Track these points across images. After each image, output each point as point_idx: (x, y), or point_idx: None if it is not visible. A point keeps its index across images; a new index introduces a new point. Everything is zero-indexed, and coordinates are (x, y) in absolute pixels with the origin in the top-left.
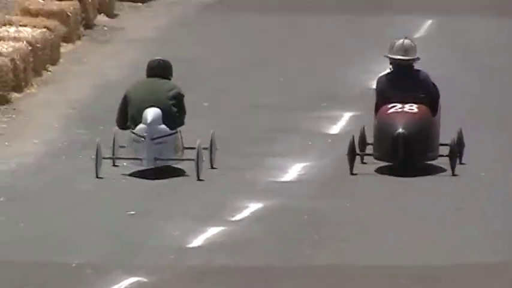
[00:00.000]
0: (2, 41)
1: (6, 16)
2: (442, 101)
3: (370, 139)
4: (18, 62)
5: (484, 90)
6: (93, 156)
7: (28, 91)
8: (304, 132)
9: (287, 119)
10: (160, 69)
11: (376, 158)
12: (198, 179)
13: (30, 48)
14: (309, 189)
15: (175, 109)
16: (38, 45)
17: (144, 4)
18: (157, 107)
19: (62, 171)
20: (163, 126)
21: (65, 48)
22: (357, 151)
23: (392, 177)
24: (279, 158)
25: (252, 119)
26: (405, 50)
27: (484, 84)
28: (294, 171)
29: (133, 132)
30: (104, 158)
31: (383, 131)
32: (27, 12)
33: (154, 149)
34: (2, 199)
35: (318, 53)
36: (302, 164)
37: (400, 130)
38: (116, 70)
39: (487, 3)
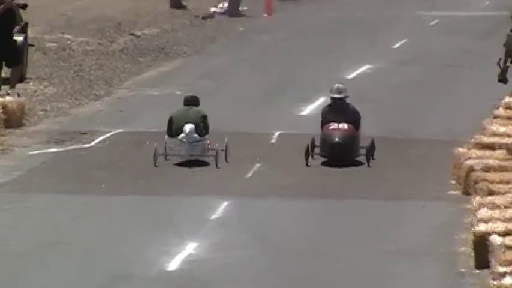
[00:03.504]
0: None
1: None
2: None
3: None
4: None
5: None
6: (152, 154)
7: None
8: None
9: None
10: (192, 100)
11: (321, 156)
12: (217, 167)
13: None
14: None
15: (202, 124)
16: None
17: None
18: (192, 123)
19: None
20: (196, 135)
21: None
22: (310, 151)
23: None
24: None
25: None
26: (339, 91)
27: None
28: None
29: (178, 139)
30: (159, 155)
31: (326, 140)
32: None
33: (190, 148)
34: None
35: (107, 232)
36: None
37: (337, 139)
38: None
39: (292, 184)
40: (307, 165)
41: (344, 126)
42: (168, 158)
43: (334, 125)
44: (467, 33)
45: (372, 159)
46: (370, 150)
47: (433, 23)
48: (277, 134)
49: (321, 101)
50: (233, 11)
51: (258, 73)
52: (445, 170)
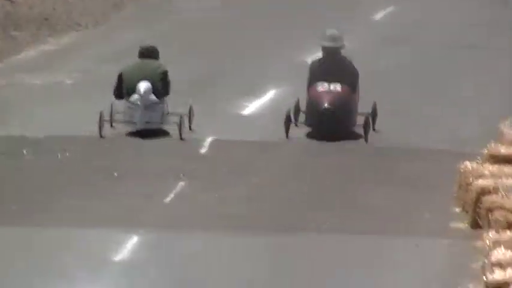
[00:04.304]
0: None
1: None
2: None
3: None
4: None
5: None
6: (97, 121)
7: None
8: None
9: None
10: (149, 52)
11: (307, 125)
12: (181, 138)
13: None
14: None
15: (162, 83)
16: None
17: None
18: (148, 80)
19: None
20: (153, 96)
21: None
22: (292, 119)
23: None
24: None
25: None
26: (333, 38)
27: None
28: None
29: (129, 101)
30: (105, 121)
31: (313, 105)
32: None
33: (146, 114)
34: None
35: None
36: None
37: (326, 105)
38: None
39: (231, 212)
40: (287, 137)
41: (337, 87)
42: (114, 125)
43: (323, 86)
44: None
45: (373, 130)
46: (371, 119)
47: None
48: (209, 140)
49: (271, 96)
50: None
51: (182, 55)
52: (447, 192)
